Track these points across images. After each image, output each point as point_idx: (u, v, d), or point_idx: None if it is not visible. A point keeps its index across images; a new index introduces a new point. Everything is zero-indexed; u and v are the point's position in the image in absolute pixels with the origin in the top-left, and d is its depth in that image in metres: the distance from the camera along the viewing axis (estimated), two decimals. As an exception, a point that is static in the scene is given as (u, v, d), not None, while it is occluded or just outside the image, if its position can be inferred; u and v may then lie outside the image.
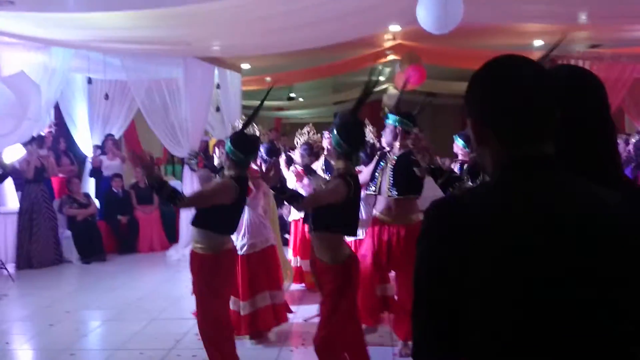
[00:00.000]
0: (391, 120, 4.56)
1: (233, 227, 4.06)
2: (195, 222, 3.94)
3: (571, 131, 1.35)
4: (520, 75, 1.21)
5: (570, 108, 1.30)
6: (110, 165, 9.52)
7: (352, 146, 3.62)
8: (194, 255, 3.93)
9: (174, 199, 3.68)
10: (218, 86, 9.86)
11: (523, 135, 1.20)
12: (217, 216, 3.83)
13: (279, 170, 3.95)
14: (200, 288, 3.91)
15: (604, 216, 1.14)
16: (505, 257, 1.11)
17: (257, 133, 5.65)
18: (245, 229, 5.02)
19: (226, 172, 3.93)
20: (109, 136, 9.72)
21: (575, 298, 1.10)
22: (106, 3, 6.04)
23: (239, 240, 4.95)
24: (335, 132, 3.64)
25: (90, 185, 9.66)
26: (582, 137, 1.40)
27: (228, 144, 3.91)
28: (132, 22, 6.35)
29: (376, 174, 4.65)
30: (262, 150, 5.77)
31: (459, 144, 5.64)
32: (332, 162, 4.77)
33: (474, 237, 1.14)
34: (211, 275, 3.86)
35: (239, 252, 4.77)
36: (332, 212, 3.56)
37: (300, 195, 3.76)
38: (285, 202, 5.10)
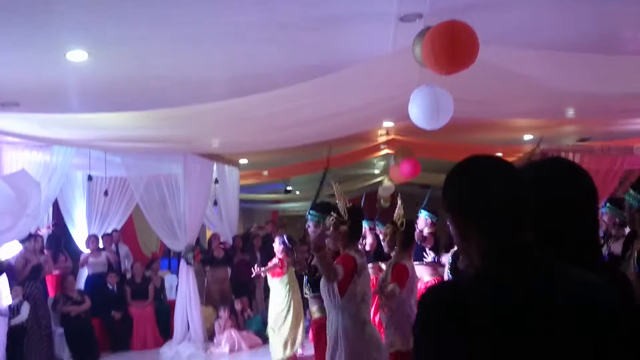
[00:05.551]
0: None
1: None
2: None
3: (553, 217, 1.42)
4: (495, 173, 1.32)
5: (551, 196, 1.41)
6: (96, 262, 9.27)
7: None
8: None
9: None
10: (216, 181, 10.00)
11: (505, 227, 1.28)
12: None
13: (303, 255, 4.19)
14: None
15: (592, 299, 1.21)
16: (505, 344, 1.17)
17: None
18: None
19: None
20: (91, 237, 9.52)
21: None
22: (109, 104, 6.24)
23: None
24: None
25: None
26: (565, 222, 1.46)
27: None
28: (133, 122, 6.53)
29: None
30: (284, 237, 6.66)
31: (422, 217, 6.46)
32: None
33: (472, 326, 1.19)
34: None
35: None
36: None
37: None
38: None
